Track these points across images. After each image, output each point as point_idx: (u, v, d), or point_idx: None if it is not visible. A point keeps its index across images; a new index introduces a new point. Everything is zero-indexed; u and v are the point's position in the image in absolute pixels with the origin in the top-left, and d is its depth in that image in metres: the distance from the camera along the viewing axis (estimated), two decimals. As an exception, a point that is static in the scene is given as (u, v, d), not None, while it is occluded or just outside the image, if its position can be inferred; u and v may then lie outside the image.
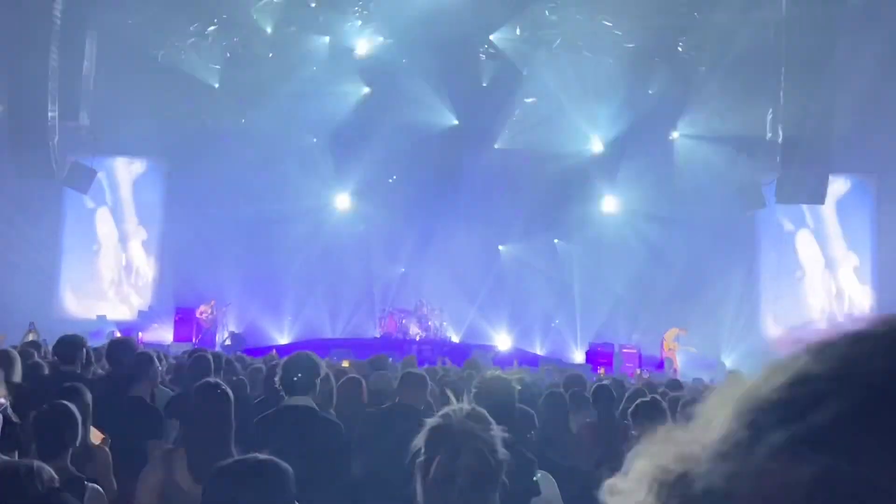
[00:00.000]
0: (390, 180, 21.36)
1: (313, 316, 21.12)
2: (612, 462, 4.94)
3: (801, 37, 17.08)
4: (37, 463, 2.72)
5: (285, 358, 4.41)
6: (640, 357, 18.50)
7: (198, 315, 19.21)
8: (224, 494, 2.38)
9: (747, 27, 17.70)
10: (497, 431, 1.99)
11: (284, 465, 2.44)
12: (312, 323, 21.09)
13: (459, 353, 16.29)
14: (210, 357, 6.04)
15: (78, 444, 3.53)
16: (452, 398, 2.09)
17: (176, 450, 3.67)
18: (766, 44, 18.16)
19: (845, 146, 18.24)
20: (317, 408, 4.23)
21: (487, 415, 2.02)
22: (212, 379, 4.05)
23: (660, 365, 17.69)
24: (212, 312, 19.36)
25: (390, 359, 9.09)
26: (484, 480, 1.93)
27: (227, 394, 3.75)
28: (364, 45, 20.30)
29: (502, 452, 1.97)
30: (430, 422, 2.00)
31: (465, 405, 2.05)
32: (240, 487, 2.35)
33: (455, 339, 20.48)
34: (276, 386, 4.27)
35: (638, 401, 5.05)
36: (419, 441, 1.98)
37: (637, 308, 20.36)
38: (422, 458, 1.96)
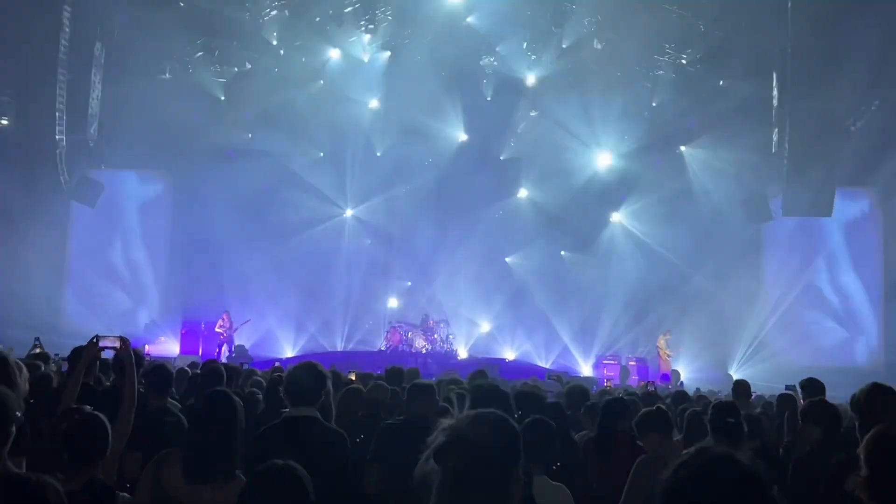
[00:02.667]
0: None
1: (319, 329, 21.09)
2: (613, 477, 4.94)
3: (807, 50, 17.10)
4: (45, 478, 2.73)
5: (290, 368, 4.39)
6: (646, 370, 18.51)
7: (217, 329, 19.21)
8: (261, 497, 2.48)
9: (753, 41, 17.71)
10: (499, 438, 1.95)
11: (303, 470, 2.56)
12: (318, 336, 21.06)
13: (465, 367, 16.23)
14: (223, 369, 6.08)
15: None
16: (454, 406, 2.08)
17: (170, 452, 3.64)
18: (772, 58, 18.20)
19: (852, 159, 18.21)
20: (321, 418, 4.21)
21: (495, 422, 1.98)
22: (221, 388, 4.03)
23: (665, 377, 17.64)
24: (229, 326, 19.33)
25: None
26: (470, 483, 1.88)
27: (233, 403, 3.74)
28: (371, 58, 20.39)
29: (501, 458, 1.93)
30: (440, 424, 1.98)
31: (476, 412, 2.01)
32: (271, 493, 2.47)
33: (461, 351, 20.40)
34: (281, 396, 4.24)
35: (643, 411, 5.01)
36: (429, 444, 1.96)
37: (644, 322, 20.27)
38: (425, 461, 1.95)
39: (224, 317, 19.47)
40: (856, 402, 3.67)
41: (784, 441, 5.79)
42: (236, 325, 19.53)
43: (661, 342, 18.89)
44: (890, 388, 3.70)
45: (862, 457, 2.54)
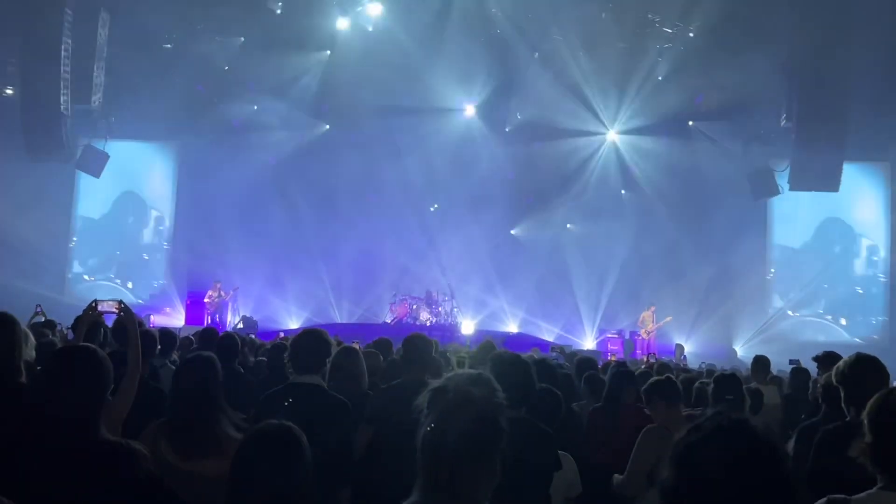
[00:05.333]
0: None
1: (323, 301, 21.12)
2: (619, 445, 4.93)
3: (814, 22, 16.91)
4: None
5: (294, 335, 4.37)
6: (648, 343, 18.55)
7: (205, 300, 19.22)
8: (251, 459, 2.47)
9: (760, 12, 17.49)
10: (500, 399, 1.94)
11: (299, 430, 2.54)
12: (323, 308, 21.09)
13: (470, 339, 16.27)
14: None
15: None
16: (455, 365, 2.07)
17: (162, 423, 3.62)
18: (779, 30, 17.96)
19: (859, 133, 18.07)
20: (325, 386, 4.20)
21: (494, 382, 1.97)
22: (204, 353, 3.99)
23: (669, 351, 17.68)
24: (218, 295, 19.34)
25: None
26: (477, 445, 1.88)
27: (211, 365, 3.71)
28: (376, 27, 20.10)
29: (502, 420, 1.93)
30: (432, 384, 1.97)
31: (472, 371, 2.01)
32: (266, 452, 2.47)
33: (466, 325, 20.40)
34: (286, 362, 4.23)
35: (652, 380, 5.00)
36: (421, 403, 1.95)
37: (648, 295, 20.25)
38: (422, 420, 1.93)
39: (217, 285, 19.47)
40: (840, 373, 3.65)
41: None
42: (225, 294, 19.51)
43: (647, 315, 18.89)
44: (874, 358, 3.69)
45: (865, 423, 2.53)
